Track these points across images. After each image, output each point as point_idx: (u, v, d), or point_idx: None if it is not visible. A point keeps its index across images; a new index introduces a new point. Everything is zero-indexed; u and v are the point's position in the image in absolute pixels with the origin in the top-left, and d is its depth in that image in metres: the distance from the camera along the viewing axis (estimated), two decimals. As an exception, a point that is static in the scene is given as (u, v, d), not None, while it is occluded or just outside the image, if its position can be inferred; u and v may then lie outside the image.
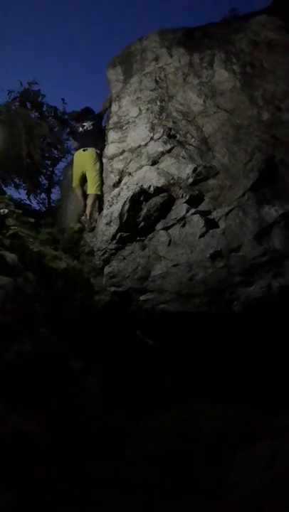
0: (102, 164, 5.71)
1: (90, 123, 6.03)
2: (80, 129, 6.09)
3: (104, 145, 5.80)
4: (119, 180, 5.40)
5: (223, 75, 5.18)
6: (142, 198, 5.14)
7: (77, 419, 3.91)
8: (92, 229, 5.61)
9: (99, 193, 5.61)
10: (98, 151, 5.76)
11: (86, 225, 5.72)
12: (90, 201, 5.65)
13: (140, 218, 5.17)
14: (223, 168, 4.96)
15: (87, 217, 5.64)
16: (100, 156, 5.75)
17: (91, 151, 5.75)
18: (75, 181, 5.93)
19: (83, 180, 5.87)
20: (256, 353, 4.79)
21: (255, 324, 4.78)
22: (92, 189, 5.64)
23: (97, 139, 5.87)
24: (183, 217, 5.00)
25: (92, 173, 5.65)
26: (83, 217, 5.81)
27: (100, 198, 5.63)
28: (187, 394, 4.52)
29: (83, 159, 5.79)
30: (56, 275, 5.33)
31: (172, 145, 5.17)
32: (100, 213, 5.60)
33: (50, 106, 8.13)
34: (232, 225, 4.82)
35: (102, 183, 5.63)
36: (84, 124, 6.06)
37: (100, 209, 5.58)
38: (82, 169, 5.83)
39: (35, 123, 7.52)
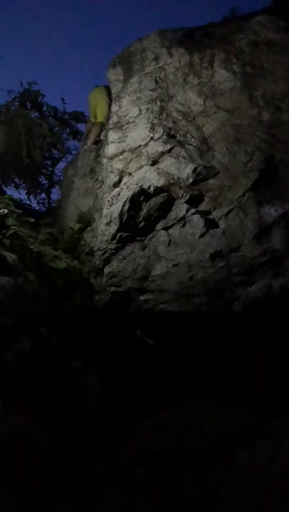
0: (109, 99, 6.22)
1: None
2: None
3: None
4: (119, 180, 5.40)
5: (223, 75, 5.17)
6: (142, 198, 5.14)
7: (77, 419, 3.92)
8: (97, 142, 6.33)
9: (103, 120, 6.23)
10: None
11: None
12: (94, 129, 6.38)
13: (140, 218, 5.16)
14: (223, 168, 4.96)
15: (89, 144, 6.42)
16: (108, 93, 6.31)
17: (102, 88, 6.40)
18: (91, 117, 6.67)
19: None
20: (256, 352, 4.79)
21: (255, 324, 4.79)
22: (99, 118, 6.32)
23: None
24: (183, 217, 5.00)
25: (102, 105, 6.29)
26: (85, 146, 6.59)
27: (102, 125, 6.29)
28: (187, 393, 4.51)
29: (95, 94, 6.47)
30: (56, 275, 5.33)
31: (172, 145, 5.17)
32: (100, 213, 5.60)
33: (50, 106, 8.15)
34: (232, 225, 4.82)
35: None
36: None
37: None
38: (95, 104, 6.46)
39: (35, 123, 7.52)
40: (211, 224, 4.91)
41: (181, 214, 5.00)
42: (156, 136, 5.27)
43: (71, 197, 6.57)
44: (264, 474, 2.75)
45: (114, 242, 5.26)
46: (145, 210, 5.14)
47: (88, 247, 5.70)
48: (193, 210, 4.98)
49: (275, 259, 4.69)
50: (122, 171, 5.40)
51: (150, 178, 5.13)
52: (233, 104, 5.08)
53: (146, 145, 5.30)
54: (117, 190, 5.34)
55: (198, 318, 5.03)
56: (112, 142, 5.58)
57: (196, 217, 4.93)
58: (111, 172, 5.50)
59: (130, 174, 5.33)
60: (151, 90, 5.49)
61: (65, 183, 7.10)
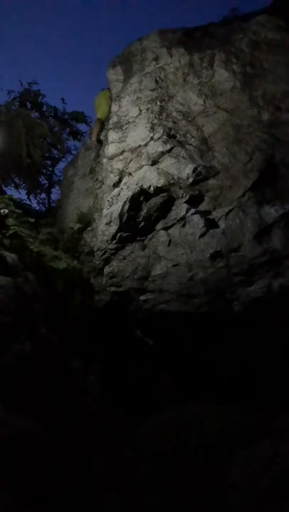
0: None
1: None
2: None
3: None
4: (119, 180, 5.40)
5: (223, 75, 5.17)
6: (142, 198, 5.14)
7: (78, 419, 3.92)
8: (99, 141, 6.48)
9: (103, 118, 6.48)
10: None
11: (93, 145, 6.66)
12: (95, 126, 6.66)
13: (140, 218, 5.17)
14: (223, 168, 4.95)
15: (92, 139, 6.67)
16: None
17: (106, 91, 6.62)
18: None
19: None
20: (256, 352, 4.78)
21: (255, 324, 4.78)
22: (98, 115, 6.61)
23: None
24: (183, 217, 5.00)
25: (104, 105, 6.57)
26: (88, 142, 6.92)
27: (102, 123, 6.52)
28: (187, 394, 4.52)
29: (99, 97, 6.70)
30: (56, 275, 5.33)
31: (172, 145, 5.17)
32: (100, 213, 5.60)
33: (50, 106, 8.16)
34: (232, 225, 4.82)
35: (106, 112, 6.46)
36: None
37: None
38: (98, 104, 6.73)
39: (35, 123, 7.53)
40: (211, 224, 4.90)
41: (181, 214, 5.00)
42: (156, 136, 5.27)
43: (71, 197, 6.57)
44: (264, 474, 2.75)
45: (114, 242, 5.26)
46: (145, 210, 5.14)
47: (88, 247, 5.70)
48: (193, 210, 4.97)
49: (275, 259, 4.68)
50: (122, 171, 5.40)
51: (150, 178, 5.13)
52: (233, 104, 5.08)
53: (146, 145, 5.30)
54: (117, 190, 5.34)
55: (198, 318, 5.03)
56: (112, 142, 5.58)
57: (196, 217, 4.93)
58: (111, 172, 5.50)
59: (130, 174, 5.33)
60: (152, 90, 5.49)
61: (65, 183, 7.11)
